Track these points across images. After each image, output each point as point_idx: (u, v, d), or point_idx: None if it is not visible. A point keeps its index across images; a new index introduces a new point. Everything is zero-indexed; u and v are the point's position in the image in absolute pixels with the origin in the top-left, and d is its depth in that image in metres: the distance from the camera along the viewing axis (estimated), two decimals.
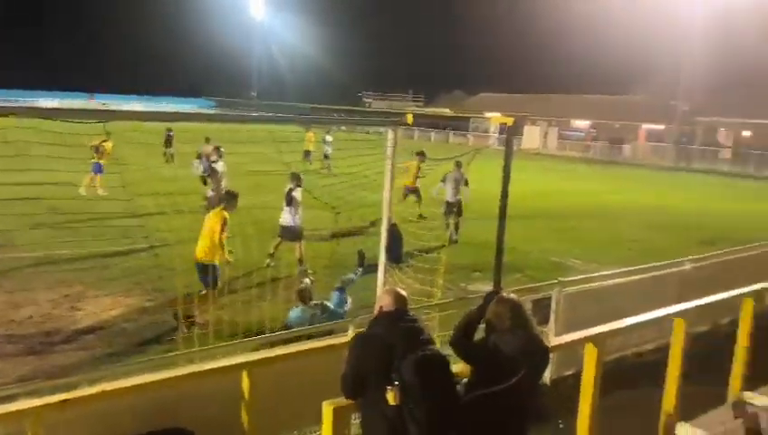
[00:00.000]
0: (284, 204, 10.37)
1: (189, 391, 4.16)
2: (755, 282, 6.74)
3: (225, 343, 5.65)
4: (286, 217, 10.33)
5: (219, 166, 12.84)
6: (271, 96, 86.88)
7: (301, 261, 10.08)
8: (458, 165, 13.74)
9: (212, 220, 7.85)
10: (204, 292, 7.57)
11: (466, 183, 13.99)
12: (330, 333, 5.52)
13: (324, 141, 24.88)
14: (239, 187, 10.52)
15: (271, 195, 9.70)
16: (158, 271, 7.87)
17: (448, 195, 13.71)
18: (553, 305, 6.81)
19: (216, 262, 7.69)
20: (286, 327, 6.30)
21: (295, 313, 6.87)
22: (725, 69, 47.34)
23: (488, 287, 8.35)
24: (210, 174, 12.66)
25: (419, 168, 15.09)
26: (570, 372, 6.59)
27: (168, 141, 23.61)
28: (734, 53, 46.98)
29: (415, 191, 15.36)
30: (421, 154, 15.22)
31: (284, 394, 4.51)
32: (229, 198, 8.34)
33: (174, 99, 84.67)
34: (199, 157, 16.03)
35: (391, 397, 3.02)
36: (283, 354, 4.56)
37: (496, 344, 3.34)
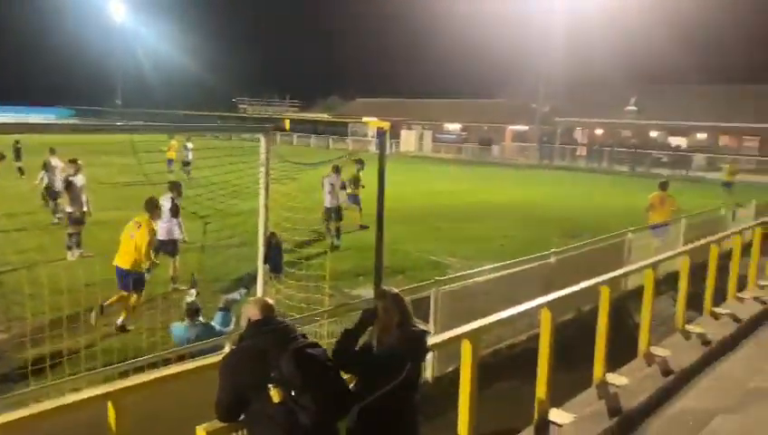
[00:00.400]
0: (169, 215, 9.76)
1: (48, 430, 3.76)
2: (613, 269, 7.36)
3: (85, 373, 5.19)
4: (169, 230, 9.76)
5: (78, 179, 11.87)
6: (138, 103, 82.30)
7: (174, 279, 9.58)
8: (336, 170, 13.76)
9: (142, 232, 7.84)
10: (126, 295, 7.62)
11: (344, 187, 14.02)
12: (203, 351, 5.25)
13: (186, 148, 24.24)
14: (102, 200, 9.80)
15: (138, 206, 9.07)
16: (4, 301, 7.09)
17: (326, 200, 13.68)
18: (432, 304, 6.97)
19: (143, 270, 7.85)
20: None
21: (179, 329, 6.47)
22: (580, 73, 51.71)
23: (371, 291, 8.46)
24: (67, 187, 11.66)
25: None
26: (451, 369, 6.78)
27: (17, 154, 21.72)
28: (587, 58, 51.45)
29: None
30: (359, 161, 15.95)
31: (156, 422, 4.21)
32: (151, 207, 8.22)
33: (27, 109, 77.75)
34: (45, 168, 14.76)
35: (275, 394, 2.96)
36: (151, 380, 4.26)
37: (382, 342, 3.38)
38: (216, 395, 3.19)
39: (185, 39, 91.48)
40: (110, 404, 3.89)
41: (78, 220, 11.40)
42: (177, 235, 9.89)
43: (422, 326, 3.61)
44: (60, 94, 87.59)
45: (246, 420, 3.17)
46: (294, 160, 6.93)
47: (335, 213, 13.66)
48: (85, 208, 11.78)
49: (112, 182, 15.02)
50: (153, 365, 5.03)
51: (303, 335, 3.27)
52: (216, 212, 6.96)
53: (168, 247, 9.64)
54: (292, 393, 2.96)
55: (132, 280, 7.72)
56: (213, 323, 6.65)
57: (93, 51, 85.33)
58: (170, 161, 24.32)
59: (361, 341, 3.52)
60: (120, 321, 7.65)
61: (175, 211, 9.83)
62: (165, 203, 9.60)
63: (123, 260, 7.80)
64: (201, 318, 6.57)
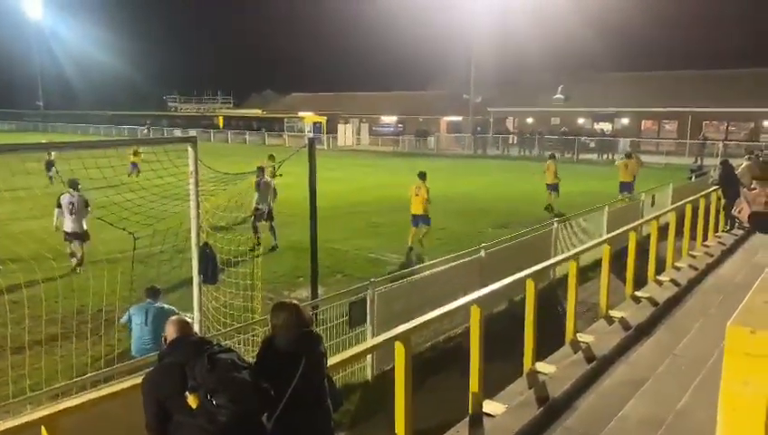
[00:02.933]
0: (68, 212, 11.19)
1: None
2: (542, 259, 7.72)
3: (20, 398, 5.06)
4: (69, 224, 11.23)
5: None
6: (61, 104, 78.62)
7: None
8: (261, 170, 13.68)
9: None
10: None
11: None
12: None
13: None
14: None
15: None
16: None
17: (257, 200, 13.49)
18: (369, 305, 7.12)
19: None
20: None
21: (135, 309, 6.55)
22: (509, 63, 53.01)
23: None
24: None
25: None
26: (389, 367, 6.95)
27: None
28: (516, 48, 52.78)
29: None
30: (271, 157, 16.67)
31: None
32: None
33: None
34: None
35: (192, 400, 3.07)
36: (88, 401, 4.21)
37: (273, 344, 3.52)
38: (144, 407, 3.27)
39: (108, 36, 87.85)
40: (43, 429, 3.85)
41: None
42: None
43: (316, 332, 3.82)
44: None
45: (171, 431, 3.24)
46: (222, 171, 6.90)
47: (267, 213, 13.52)
48: None
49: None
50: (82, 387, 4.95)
51: (219, 344, 3.41)
52: (146, 218, 6.85)
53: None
54: (208, 397, 3.06)
55: None
56: (165, 306, 6.81)
57: (8, 50, 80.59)
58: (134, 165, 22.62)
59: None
60: None
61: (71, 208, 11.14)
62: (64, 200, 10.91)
63: None
64: (160, 301, 6.64)
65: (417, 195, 13.65)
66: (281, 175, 15.55)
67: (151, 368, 3.48)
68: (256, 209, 13.43)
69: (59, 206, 11.46)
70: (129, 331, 6.93)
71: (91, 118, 71.25)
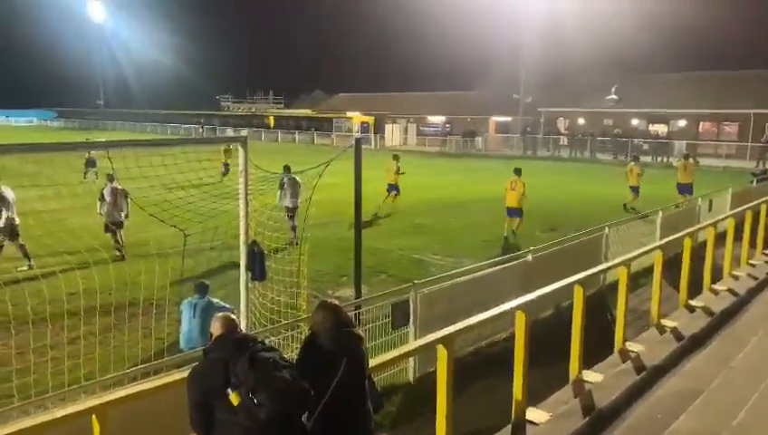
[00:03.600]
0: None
1: None
2: (591, 264, 7.51)
3: (68, 388, 5.25)
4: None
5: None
6: (119, 103, 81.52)
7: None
8: (287, 169, 13.85)
9: None
10: None
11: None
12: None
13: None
14: None
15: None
16: None
17: (286, 200, 13.67)
18: (411, 307, 7.09)
19: None
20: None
21: (185, 305, 6.72)
22: (561, 62, 51.99)
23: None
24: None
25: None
26: (432, 369, 6.91)
27: None
28: (567, 47, 51.72)
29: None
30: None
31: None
32: None
33: (6, 111, 76.55)
34: None
35: (233, 397, 3.10)
36: (136, 393, 4.33)
37: (315, 343, 3.53)
38: (188, 400, 3.33)
39: (165, 38, 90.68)
40: (94, 418, 3.98)
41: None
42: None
43: (358, 331, 3.77)
44: (39, 96, 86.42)
45: (215, 429, 3.28)
46: (271, 170, 6.99)
47: (292, 212, 13.63)
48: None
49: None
50: (133, 378, 5.10)
51: (262, 342, 3.43)
52: (196, 216, 7.03)
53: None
54: (249, 394, 3.08)
55: None
56: (213, 300, 6.99)
57: (72, 51, 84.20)
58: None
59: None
60: None
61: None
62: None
63: None
64: (208, 296, 6.80)
65: (513, 189, 15.00)
66: (403, 173, 18.90)
67: (196, 363, 3.53)
68: (287, 208, 13.56)
69: (102, 198, 12.30)
70: (178, 324, 7.12)
71: (147, 117, 73.64)
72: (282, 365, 3.28)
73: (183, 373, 4.53)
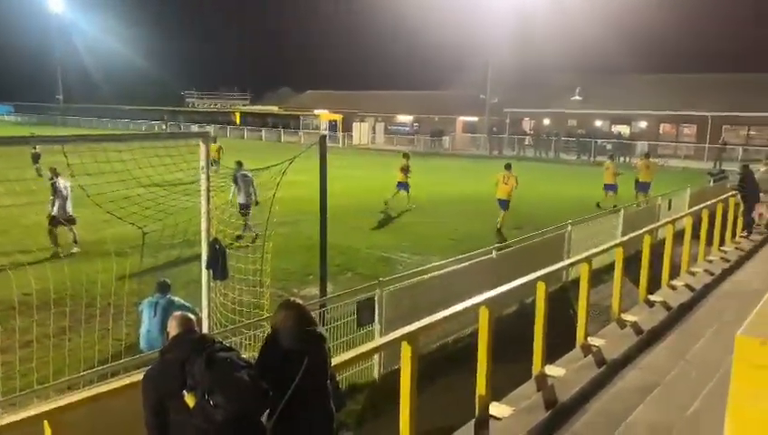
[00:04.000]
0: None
1: None
2: (554, 261, 7.60)
3: (19, 393, 5.08)
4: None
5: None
6: (81, 98, 79.47)
7: None
8: (240, 164, 13.86)
9: None
10: None
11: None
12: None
13: None
14: None
15: None
16: None
17: (240, 197, 13.50)
18: (377, 304, 7.08)
19: None
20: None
21: (144, 304, 6.52)
22: (527, 64, 52.67)
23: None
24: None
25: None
26: (397, 367, 6.90)
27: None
28: (533, 49, 52.47)
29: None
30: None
31: None
32: None
33: None
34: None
35: (189, 399, 3.07)
36: (91, 396, 4.21)
37: (276, 342, 3.48)
38: (143, 402, 3.27)
39: (128, 30, 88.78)
40: (46, 424, 3.85)
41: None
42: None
43: (320, 331, 3.71)
44: None
45: (170, 432, 3.24)
46: (232, 167, 6.87)
47: (246, 206, 13.41)
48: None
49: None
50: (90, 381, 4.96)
51: (220, 342, 3.38)
52: (156, 213, 6.86)
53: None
54: (205, 396, 3.04)
55: None
56: (175, 299, 6.83)
57: (29, 43, 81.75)
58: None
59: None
60: None
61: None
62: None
63: None
64: (170, 295, 6.64)
65: (506, 183, 16.06)
66: (409, 172, 19.37)
67: (152, 365, 3.45)
68: (240, 205, 13.30)
69: (56, 193, 12.19)
70: (138, 324, 6.95)
71: (109, 112, 71.98)
72: (240, 365, 3.22)
73: (140, 376, 4.44)
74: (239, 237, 12.73)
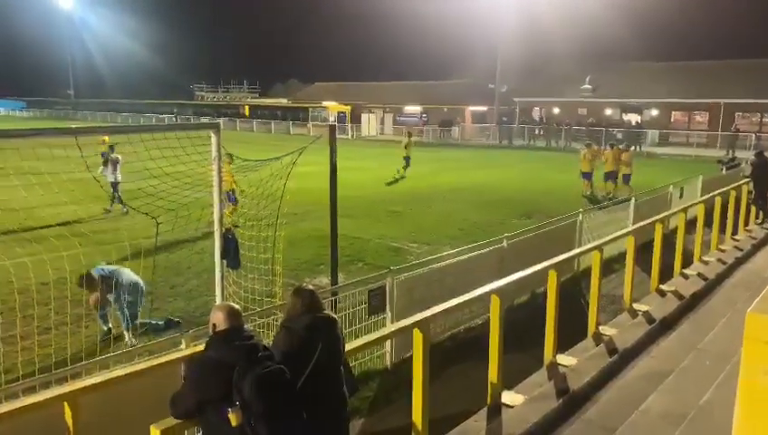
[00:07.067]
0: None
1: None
2: (565, 250, 7.59)
3: (40, 376, 5.16)
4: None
5: None
6: (91, 93, 79.89)
7: None
8: (111, 148, 15.32)
9: None
10: None
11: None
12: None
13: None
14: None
15: None
16: None
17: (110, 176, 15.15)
18: (388, 293, 7.10)
19: None
20: None
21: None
22: (536, 52, 52.33)
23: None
24: None
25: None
26: (409, 355, 6.94)
27: None
28: (543, 37, 52.08)
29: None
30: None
31: (115, 422, 4.25)
32: None
33: None
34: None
35: (233, 418, 2.98)
36: (108, 379, 4.28)
37: (290, 328, 3.50)
38: (178, 394, 3.23)
39: (137, 25, 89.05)
40: (66, 405, 3.92)
41: None
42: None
43: (330, 314, 3.76)
44: (7, 86, 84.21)
45: (205, 428, 3.25)
46: (242, 157, 6.93)
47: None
48: None
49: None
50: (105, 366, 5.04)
51: (266, 348, 3.28)
52: (168, 204, 6.93)
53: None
54: (251, 422, 3.00)
55: None
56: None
57: (41, 40, 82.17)
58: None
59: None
60: None
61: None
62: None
63: None
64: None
65: (589, 159, 19.34)
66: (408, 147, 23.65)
67: (199, 357, 3.32)
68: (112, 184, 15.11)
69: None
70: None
71: (119, 106, 72.34)
72: (293, 393, 3.20)
73: (153, 360, 4.51)
74: (107, 211, 14.56)
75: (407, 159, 24.18)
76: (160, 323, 7.77)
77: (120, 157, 15.18)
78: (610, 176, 19.59)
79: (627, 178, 19.27)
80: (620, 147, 20.39)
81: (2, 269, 7.67)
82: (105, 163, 15.06)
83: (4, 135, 5.53)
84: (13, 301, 7.17)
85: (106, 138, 24.54)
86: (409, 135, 25.62)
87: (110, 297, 7.33)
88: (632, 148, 20.69)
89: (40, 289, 7.31)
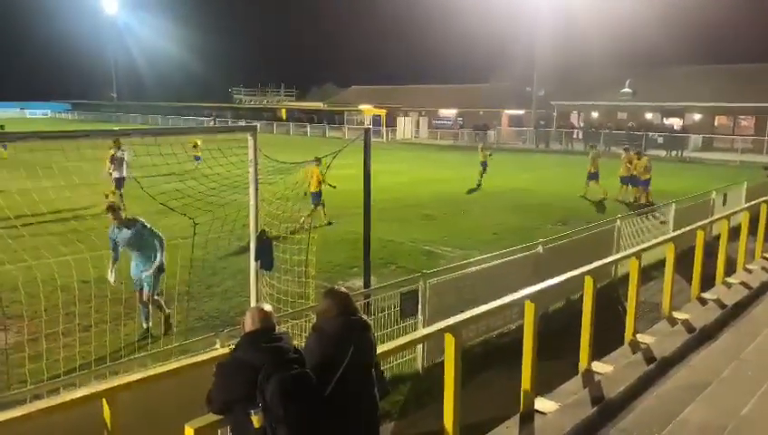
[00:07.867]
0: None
1: (42, 430, 3.88)
2: (602, 256, 7.45)
3: (78, 373, 5.31)
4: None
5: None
6: (133, 96, 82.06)
7: None
8: (118, 147, 15.71)
9: None
10: None
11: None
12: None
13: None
14: None
15: None
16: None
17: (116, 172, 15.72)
18: (420, 297, 7.08)
19: None
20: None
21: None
22: (574, 56, 51.56)
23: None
24: None
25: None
26: (441, 360, 6.90)
27: None
28: (581, 40, 51.31)
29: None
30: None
31: (150, 419, 4.34)
32: None
33: (21, 104, 77.22)
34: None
35: (256, 420, 3.01)
36: (146, 377, 4.37)
37: (322, 330, 3.49)
38: (210, 392, 3.28)
39: (178, 30, 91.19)
40: (104, 402, 4.02)
41: None
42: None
43: (363, 317, 3.72)
44: (53, 89, 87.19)
45: (231, 427, 3.29)
46: (278, 159, 7.01)
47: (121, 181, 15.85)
48: None
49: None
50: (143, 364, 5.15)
51: (296, 350, 3.28)
52: (205, 205, 7.06)
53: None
54: (273, 425, 3.01)
55: None
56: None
57: (86, 44, 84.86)
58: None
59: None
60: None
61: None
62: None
63: None
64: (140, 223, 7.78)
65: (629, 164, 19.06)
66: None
67: (228, 357, 3.34)
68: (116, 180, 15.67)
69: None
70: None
71: (160, 109, 74.07)
72: (318, 399, 3.19)
73: (189, 359, 4.60)
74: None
75: (483, 163, 23.76)
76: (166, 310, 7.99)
77: (125, 153, 15.53)
78: (628, 180, 19.60)
79: (645, 183, 18.86)
80: (632, 153, 20.09)
81: (46, 267, 7.93)
82: (112, 160, 15.44)
83: (51, 136, 5.71)
84: (56, 298, 7.41)
85: (198, 141, 25.06)
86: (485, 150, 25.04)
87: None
88: (637, 152, 20.58)
89: (81, 287, 7.53)
